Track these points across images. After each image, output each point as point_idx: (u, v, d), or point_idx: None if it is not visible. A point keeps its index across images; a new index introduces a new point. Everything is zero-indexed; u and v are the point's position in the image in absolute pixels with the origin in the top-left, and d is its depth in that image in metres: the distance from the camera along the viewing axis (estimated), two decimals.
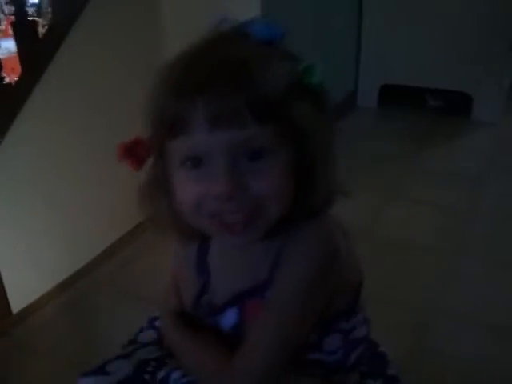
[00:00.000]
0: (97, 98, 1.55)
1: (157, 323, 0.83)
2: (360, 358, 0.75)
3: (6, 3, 2.51)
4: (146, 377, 0.73)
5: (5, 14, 2.51)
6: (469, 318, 1.45)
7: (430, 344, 1.37)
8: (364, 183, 2.22)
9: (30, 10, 2.13)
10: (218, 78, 0.54)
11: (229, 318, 0.70)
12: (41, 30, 1.51)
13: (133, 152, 0.61)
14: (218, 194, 0.56)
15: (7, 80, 1.47)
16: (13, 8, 1.48)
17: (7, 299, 1.46)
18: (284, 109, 0.56)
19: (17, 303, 1.49)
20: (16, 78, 1.43)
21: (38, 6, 2.33)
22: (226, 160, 0.56)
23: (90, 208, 1.58)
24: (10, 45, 2.07)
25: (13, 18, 1.49)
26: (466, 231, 1.87)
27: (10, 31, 1.56)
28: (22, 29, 1.39)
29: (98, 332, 1.37)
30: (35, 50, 1.40)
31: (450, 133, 2.70)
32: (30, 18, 1.49)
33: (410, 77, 2.87)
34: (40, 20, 1.80)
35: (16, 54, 1.42)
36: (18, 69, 1.40)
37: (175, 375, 0.69)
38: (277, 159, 0.57)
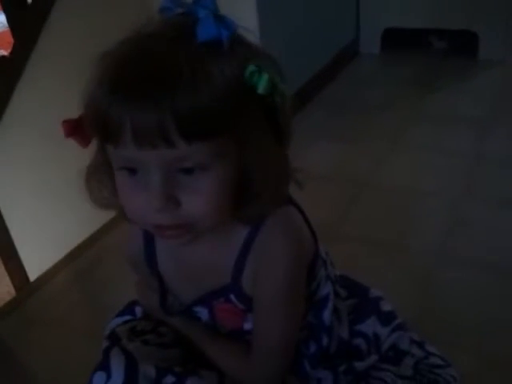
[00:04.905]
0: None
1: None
2: (337, 310, 0.78)
3: None
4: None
5: None
6: (477, 263, 1.44)
7: (439, 290, 1.37)
8: (369, 130, 2.20)
9: None
10: (148, 92, 0.51)
11: (201, 315, 0.75)
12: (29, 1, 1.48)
13: (79, 130, 0.59)
14: (153, 208, 0.56)
15: (2, 53, 1.46)
16: None
17: (23, 267, 1.49)
18: (222, 124, 0.54)
19: (32, 272, 1.52)
20: None
21: None
22: (159, 174, 0.55)
23: None
24: (3, 19, 2.04)
25: None
26: (474, 175, 1.85)
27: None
28: None
29: (109, 300, 1.40)
30: (25, 20, 1.38)
31: (456, 75, 2.63)
32: None
33: (413, 19, 2.78)
34: None
35: None
36: None
37: None
38: (211, 175, 0.56)
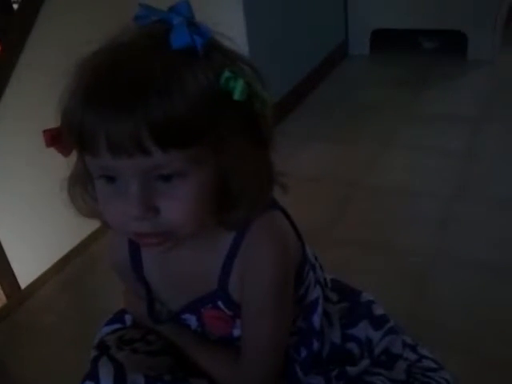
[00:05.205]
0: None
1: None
2: (328, 315, 0.77)
3: None
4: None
5: None
6: (471, 262, 1.44)
7: (433, 289, 1.37)
8: (360, 131, 2.21)
9: None
10: (122, 102, 0.51)
11: (190, 322, 0.75)
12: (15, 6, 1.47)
13: (59, 139, 0.59)
14: (132, 216, 0.55)
15: None
16: None
17: (14, 275, 1.47)
18: (197, 131, 0.53)
19: (23, 279, 1.50)
20: None
21: None
22: (137, 183, 0.54)
23: None
24: None
25: None
26: (466, 174, 1.86)
27: None
28: None
29: (100, 308, 1.38)
30: (12, 25, 1.37)
31: (446, 75, 2.65)
32: None
33: (401, 19, 2.80)
34: None
35: None
36: None
37: None
38: (189, 182, 0.56)
